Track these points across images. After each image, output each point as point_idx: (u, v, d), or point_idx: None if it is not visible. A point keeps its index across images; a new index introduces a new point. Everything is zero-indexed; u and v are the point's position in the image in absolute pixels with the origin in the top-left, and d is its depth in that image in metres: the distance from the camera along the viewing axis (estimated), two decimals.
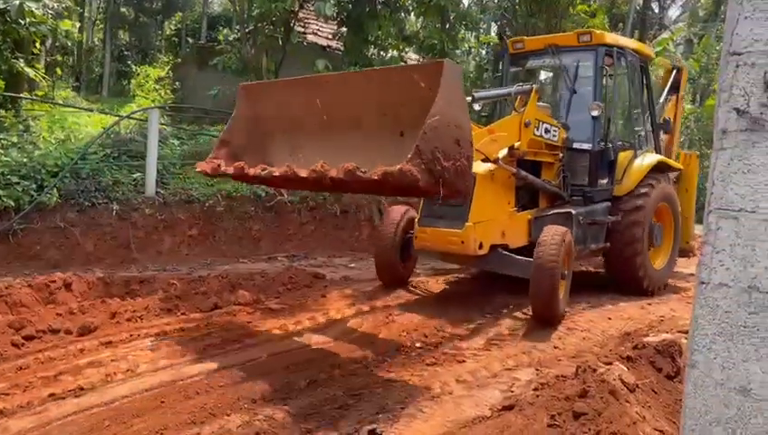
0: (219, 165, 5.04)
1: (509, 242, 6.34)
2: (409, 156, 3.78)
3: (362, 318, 5.66)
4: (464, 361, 4.69)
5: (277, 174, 4.53)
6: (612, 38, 7.76)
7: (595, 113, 7.03)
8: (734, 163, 1.63)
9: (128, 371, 4.19)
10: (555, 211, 6.76)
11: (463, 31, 13.18)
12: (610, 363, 3.79)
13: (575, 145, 7.19)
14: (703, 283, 1.68)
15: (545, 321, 5.73)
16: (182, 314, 5.55)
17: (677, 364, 4.11)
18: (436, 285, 7.31)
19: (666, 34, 24.92)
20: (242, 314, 5.63)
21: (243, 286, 6.37)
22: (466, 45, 18.21)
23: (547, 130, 6.69)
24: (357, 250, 9.16)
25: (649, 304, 6.67)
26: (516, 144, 6.27)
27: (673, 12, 34.50)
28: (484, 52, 20.21)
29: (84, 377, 4.05)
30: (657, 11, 31.89)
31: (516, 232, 6.44)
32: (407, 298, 6.51)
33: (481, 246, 5.96)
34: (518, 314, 6.10)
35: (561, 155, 7.11)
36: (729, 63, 1.66)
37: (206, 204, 8.12)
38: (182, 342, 4.84)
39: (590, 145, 7.18)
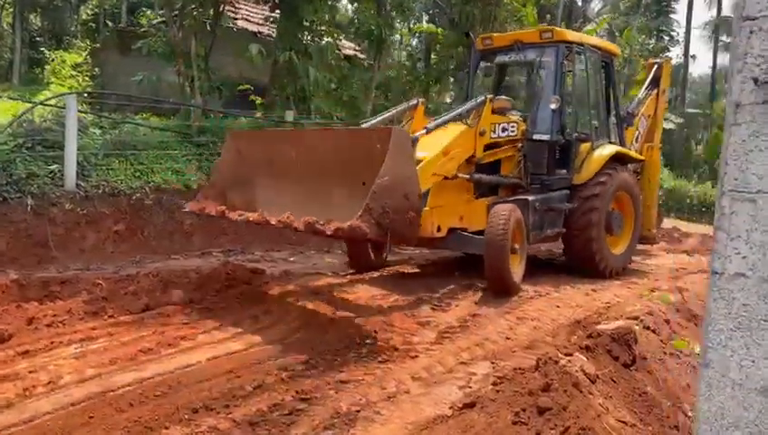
0: (204, 207, 5.97)
1: (467, 226, 6.86)
2: (360, 213, 4.48)
3: (308, 315, 5.37)
4: (417, 356, 4.51)
5: (251, 219, 5.38)
6: (573, 35, 8.24)
7: (553, 106, 7.44)
8: (751, 140, 1.47)
9: (49, 383, 3.76)
10: (513, 198, 7.10)
11: (397, 19, 12.97)
12: (571, 354, 3.69)
13: (535, 136, 7.57)
14: (717, 273, 1.53)
15: (500, 292, 6.23)
16: (110, 316, 5.09)
17: (633, 352, 4.07)
18: (390, 277, 7.13)
19: (591, 26, 25.61)
20: (177, 314, 5.22)
21: (176, 285, 5.93)
22: (398, 35, 18.09)
23: (504, 129, 7.26)
24: (295, 243, 8.83)
25: (594, 291, 6.71)
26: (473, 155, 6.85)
27: (595, 4, 35.64)
28: (414, 42, 20.15)
29: None
30: (580, 3, 32.85)
31: (475, 217, 6.92)
32: (354, 292, 6.26)
33: (439, 229, 6.48)
34: (465, 303, 5.99)
35: (520, 145, 7.50)
36: (742, 30, 1.50)
37: (133, 197, 7.58)
38: (111, 348, 4.42)
39: (549, 136, 7.55)
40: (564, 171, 7.75)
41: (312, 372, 4.14)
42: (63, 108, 7.59)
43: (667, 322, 5.08)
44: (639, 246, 9.14)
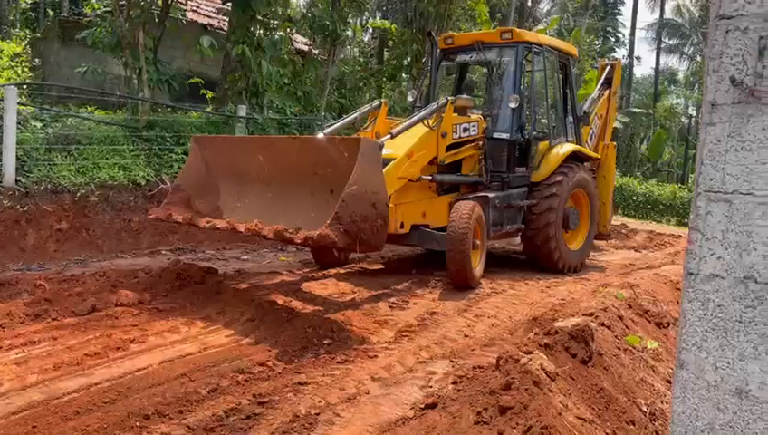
0: (171, 213, 5.91)
1: (430, 222, 7.02)
2: (328, 221, 4.64)
3: (262, 315, 5.23)
4: (375, 356, 4.44)
5: (219, 227, 5.42)
6: (532, 36, 8.43)
7: (512, 105, 7.57)
8: (726, 140, 1.46)
9: None
10: (473, 195, 7.26)
11: (351, 14, 12.86)
12: (531, 352, 3.70)
13: (495, 135, 7.77)
14: (691, 274, 1.51)
15: (461, 286, 6.46)
16: (53, 319, 4.85)
17: (590, 349, 4.11)
18: (347, 275, 7.04)
19: (541, 26, 26.08)
20: (125, 316, 5.02)
21: (124, 285, 5.73)
22: (351, 30, 18.02)
23: (465, 129, 7.39)
24: (248, 242, 8.62)
25: (549, 288, 6.79)
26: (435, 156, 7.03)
27: (544, 5, 36.34)
28: (366, 38, 20.04)
29: None
30: (530, 3, 33.40)
31: (437, 214, 7.07)
32: (309, 291, 6.15)
33: (402, 226, 6.65)
34: (423, 301, 5.96)
35: (481, 144, 7.64)
36: (718, 28, 1.48)
37: (78, 194, 7.25)
38: (55, 352, 4.21)
39: (509, 135, 7.73)
40: (523, 169, 7.92)
41: (269, 374, 4.03)
42: (1, 99, 7.20)
43: (620, 318, 5.16)
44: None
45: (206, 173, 6.18)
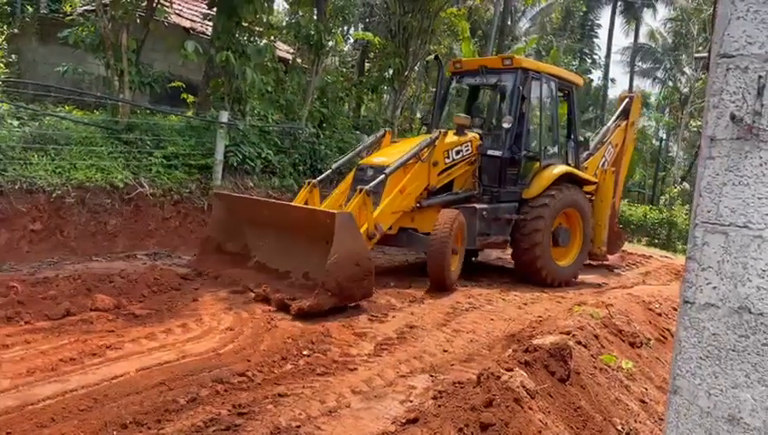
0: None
1: (417, 227, 7.59)
2: (316, 292, 5.43)
3: (242, 324, 5.20)
4: (356, 368, 4.44)
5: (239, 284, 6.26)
6: (531, 63, 9.01)
7: (506, 125, 8.18)
8: (725, 174, 1.51)
9: None
10: (462, 206, 7.75)
11: (336, 25, 12.89)
12: (511, 369, 3.74)
13: (489, 152, 8.31)
14: (687, 302, 1.56)
15: (440, 288, 6.99)
16: (26, 322, 4.75)
17: (569, 367, 4.17)
18: None
19: (520, 45, 26.43)
20: (101, 321, 4.93)
21: (100, 289, 5.65)
22: (333, 40, 18.10)
23: (458, 152, 7.99)
24: None
25: (525, 305, 6.87)
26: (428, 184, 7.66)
27: (523, 24, 36.86)
28: (345, 48, 20.05)
29: None
30: (509, 23, 33.86)
31: (426, 221, 7.50)
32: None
33: (390, 228, 7.17)
34: (402, 314, 5.98)
35: (474, 159, 8.24)
36: (719, 66, 1.54)
37: (54, 194, 7.10)
38: (28, 357, 4.12)
39: (501, 152, 8.27)
40: (514, 185, 8.38)
41: (249, 384, 4.00)
42: None
43: (596, 337, 5.24)
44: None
45: (230, 221, 6.99)
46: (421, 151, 7.54)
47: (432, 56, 12.79)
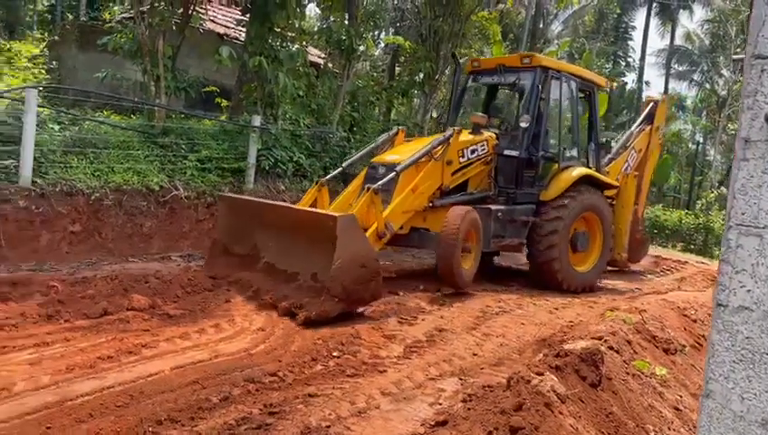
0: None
1: (430, 227, 7.35)
2: (322, 299, 5.29)
3: (273, 325, 5.27)
4: (385, 370, 4.46)
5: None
6: (550, 62, 8.71)
7: (524, 125, 7.91)
8: (760, 176, 1.50)
9: (2, 390, 3.58)
10: (476, 206, 7.45)
11: (367, 29, 12.98)
12: (542, 374, 3.72)
13: (506, 152, 8.07)
14: (720, 305, 1.54)
15: (450, 286, 6.84)
16: (66, 321, 4.89)
17: (600, 372, 4.12)
18: None
19: (552, 48, 26.23)
20: (137, 320, 5.05)
21: (136, 289, 5.78)
22: (364, 45, 18.22)
23: (473, 151, 7.74)
24: None
25: (557, 309, 6.81)
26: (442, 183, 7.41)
27: (555, 27, 36.55)
28: (377, 52, 20.16)
29: None
30: (542, 25, 33.62)
31: (438, 220, 7.16)
32: None
33: (402, 227, 6.99)
34: (431, 317, 5.98)
35: (489, 159, 8.00)
36: (753, 67, 1.53)
37: (92, 197, 7.30)
38: (68, 354, 4.24)
39: (518, 153, 8.02)
40: (531, 187, 8.13)
41: (280, 384, 4.05)
42: (20, 101, 7.29)
43: (629, 342, 5.17)
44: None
45: (236, 223, 6.82)
46: (434, 150, 7.30)
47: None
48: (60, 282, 5.71)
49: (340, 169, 8.21)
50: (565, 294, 7.76)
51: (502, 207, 7.81)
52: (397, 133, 8.34)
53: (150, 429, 3.29)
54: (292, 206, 6.86)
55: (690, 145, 33.50)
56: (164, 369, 4.12)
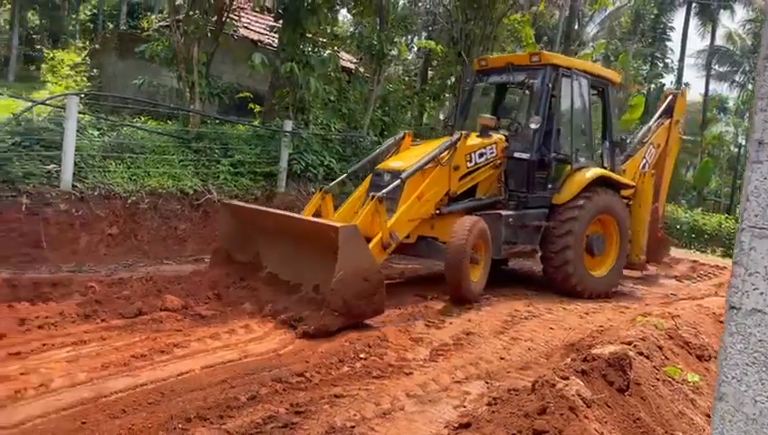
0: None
1: (438, 235, 7.09)
2: (322, 313, 5.11)
3: None
4: (411, 373, 4.49)
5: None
6: (561, 59, 8.35)
7: (534, 126, 7.62)
8: None
9: (41, 386, 3.72)
10: (486, 212, 7.27)
11: (398, 34, 13.05)
12: (567, 378, 3.70)
13: (516, 155, 7.76)
14: (733, 308, 1.54)
15: (457, 298, 6.53)
16: (102, 320, 5.05)
17: (628, 378, 4.08)
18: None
19: (587, 50, 25.91)
20: (169, 321, 5.18)
21: (169, 290, 5.92)
22: (396, 49, 18.27)
23: (482, 155, 7.45)
24: None
25: (587, 314, 6.74)
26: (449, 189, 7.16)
27: (591, 29, 36.09)
28: (410, 56, 20.23)
29: None
30: (576, 27, 33.26)
31: (446, 228, 6.92)
32: None
33: (408, 236, 6.76)
34: (459, 320, 5.99)
35: (499, 163, 7.71)
36: (766, 69, 1.52)
37: (129, 200, 7.53)
38: (103, 352, 4.38)
39: (529, 155, 7.71)
40: (543, 190, 7.87)
41: (307, 384, 4.12)
42: (62, 108, 7.55)
43: (660, 348, 5.08)
44: (632, 272, 9.22)
45: (238, 231, 6.63)
46: (441, 155, 7.03)
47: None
48: (97, 283, 5.89)
49: (343, 175, 8.01)
50: (597, 298, 7.61)
51: (513, 212, 7.54)
52: (403, 138, 8.03)
53: (180, 426, 3.38)
54: (294, 215, 6.60)
55: (732, 148, 32.68)
56: (194, 368, 4.23)
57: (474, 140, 7.47)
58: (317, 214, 7.01)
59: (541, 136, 7.77)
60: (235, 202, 7.50)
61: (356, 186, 7.89)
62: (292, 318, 5.27)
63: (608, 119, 8.94)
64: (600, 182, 8.08)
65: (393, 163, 7.32)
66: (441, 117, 17.09)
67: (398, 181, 6.58)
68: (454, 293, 6.54)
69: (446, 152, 7.06)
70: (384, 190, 6.40)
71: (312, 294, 5.49)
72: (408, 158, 7.25)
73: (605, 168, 8.53)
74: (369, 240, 5.94)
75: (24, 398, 3.55)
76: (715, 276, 11.20)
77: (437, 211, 7.04)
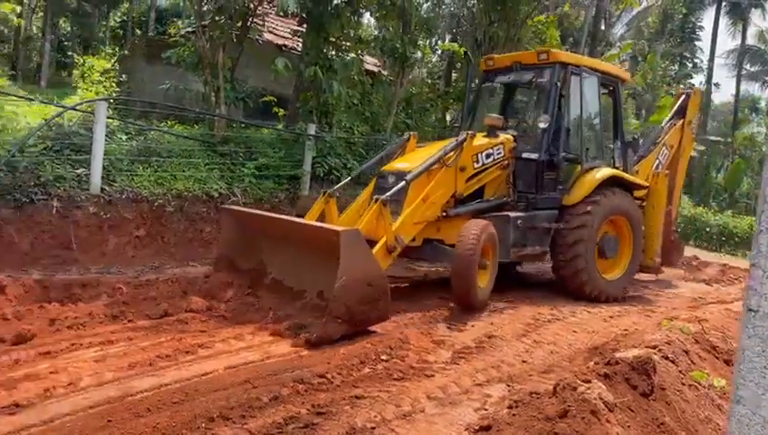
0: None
1: (444, 238, 6.92)
2: (324, 320, 4.95)
3: None
4: (432, 375, 4.50)
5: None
6: (569, 57, 8.17)
7: (543, 125, 7.44)
8: None
9: (69, 385, 3.81)
10: (494, 214, 7.13)
11: (421, 37, 13.06)
12: (589, 381, 3.67)
13: (524, 155, 7.63)
14: (751, 310, 1.53)
15: (464, 306, 6.30)
16: (129, 321, 5.16)
17: (652, 382, 4.03)
18: (404, 291, 7.14)
19: (614, 50, 25.60)
20: (194, 322, 5.26)
21: (195, 292, 6.01)
22: (420, 52, 18.26)
23: (489, 155, 7.30)
24: None
25: (612, 317, 6.67)
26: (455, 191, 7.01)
27: (618, 29, 35.67)
28: (434, 58, 20.21)
29: (20, 392, 3.65)
30: (603, 27, 32.89)
31: (452, 231, 6.74)
32: None
33: (414, 239, 6.57)
34: (481, 323, 5.97)
35: (507, 163, 7.57)
36: None
37: (156, 203, 7.67)
38: (130, 352, 4.47)
39: (537, 155, 7.57)
40: (553, 191, 7.71)
41: (328, 386, 4.14)
42: (92, 113, 7.72)
43: (686, 352, 5.01)
44: (658, 275, 9.09)
45: (240, 237, 6.54)
46: (447, 156, 6.85)
47: None
48: (125, 284, 6.01)
49: (347, 178, 7.89)
50: (622, 302, 7.52)
51: (521, 213, 7.37)
52: (409, 139, 7.82)
53: (203, 425, 3.43)
54: (296, 219, 6.42)
55: (764, 149, 31.94)
56: (218, 368, 4.29)
57: (480, 140, 7.34)
58: (321, 219, 6.87)
59: (549, 135, 7.61)
60: (236, 207, 7.39)
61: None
62: (294, 326, 5.15)
63: (618, 118, 8.79)
64: (612, 182, 7.92)
65: (398, 165, 7.18)
66: (448, 117, 17.10)
67: (403, 183, 6.42)
68: (460, 300, 6.32)
69: (451, 153, 6.91)
70: (388, 193, 6.24)
71: (317, 301, 5.40)
72: (414, 159, 7.10)
73: (617, 168, 8.38)
74: (374, 244, 5.84)
75: (53, 396, 3.65)
76: (745, 280, 10.97)
77: (444, 213, 6.89)
